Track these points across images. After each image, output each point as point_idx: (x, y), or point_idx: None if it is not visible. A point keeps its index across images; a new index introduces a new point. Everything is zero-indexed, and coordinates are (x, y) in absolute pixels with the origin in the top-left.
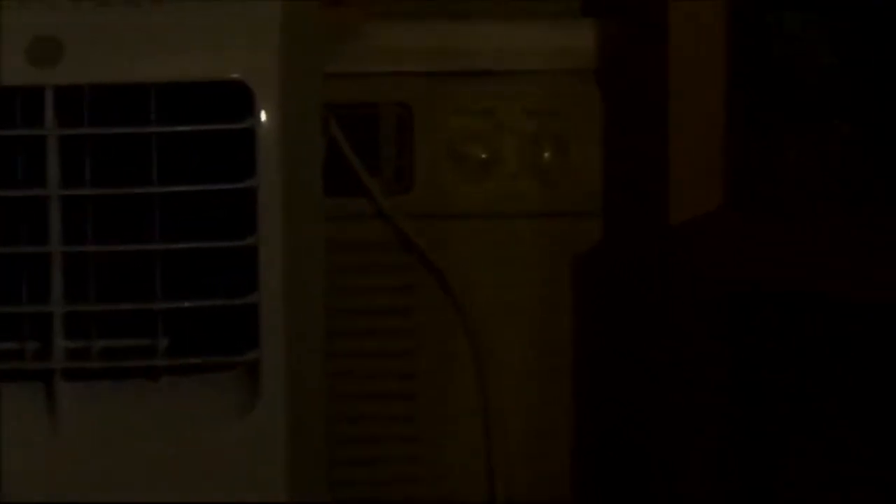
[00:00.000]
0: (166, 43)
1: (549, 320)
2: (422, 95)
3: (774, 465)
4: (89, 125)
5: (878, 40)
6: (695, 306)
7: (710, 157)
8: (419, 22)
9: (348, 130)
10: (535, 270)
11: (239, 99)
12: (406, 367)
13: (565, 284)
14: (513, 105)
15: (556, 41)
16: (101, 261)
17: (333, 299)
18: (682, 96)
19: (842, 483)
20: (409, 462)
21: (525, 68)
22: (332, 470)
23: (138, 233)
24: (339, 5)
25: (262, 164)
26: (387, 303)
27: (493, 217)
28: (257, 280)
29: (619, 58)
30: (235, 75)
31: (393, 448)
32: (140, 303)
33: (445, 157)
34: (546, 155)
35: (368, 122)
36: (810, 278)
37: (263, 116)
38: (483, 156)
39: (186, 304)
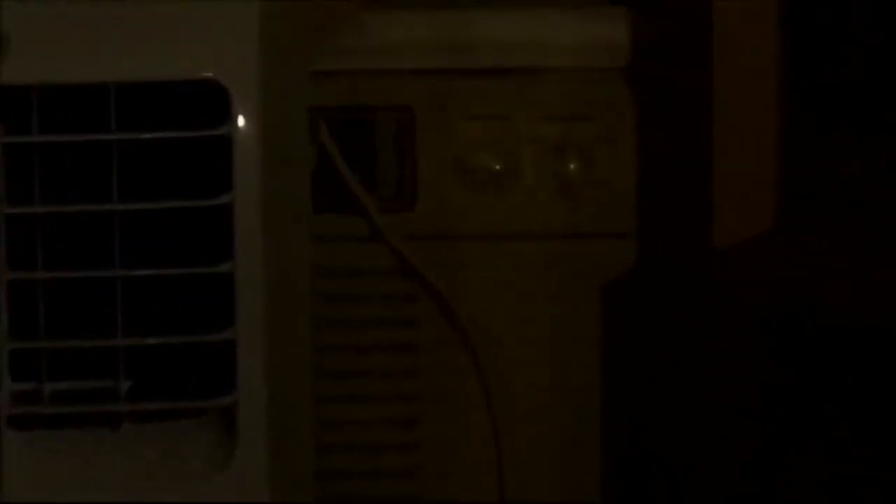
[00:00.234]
0: (130, 39)
1: (574, 357)
2: (425, 97)
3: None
4: (39, 132)
5: None
6: (747, 343)
7: (761, 169)
8: (423, 12)
9: (340, 137)
10: (558, 300)
11: (216, 103)
12: (409, 413)
13: (592, 316)
14: (532, 109)
15: (582, 34)
16: (53, 289)
17: (323, 334)
18: (728, 101)
19: None
20: None
21: (546, 65)
22: None
23: (97, 256)
24: None
25: (240, 176)
26: (386, 338)
27: (508, 239)
28: (234, 313)
29: (656, 53)
30: (208, 74)
31: None
32: (98, 339)
33: (453, 168)
34: (570, 166)
35: (364, 128)
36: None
37: (241, 121)
38: (497, 167)
39: (151, 341)
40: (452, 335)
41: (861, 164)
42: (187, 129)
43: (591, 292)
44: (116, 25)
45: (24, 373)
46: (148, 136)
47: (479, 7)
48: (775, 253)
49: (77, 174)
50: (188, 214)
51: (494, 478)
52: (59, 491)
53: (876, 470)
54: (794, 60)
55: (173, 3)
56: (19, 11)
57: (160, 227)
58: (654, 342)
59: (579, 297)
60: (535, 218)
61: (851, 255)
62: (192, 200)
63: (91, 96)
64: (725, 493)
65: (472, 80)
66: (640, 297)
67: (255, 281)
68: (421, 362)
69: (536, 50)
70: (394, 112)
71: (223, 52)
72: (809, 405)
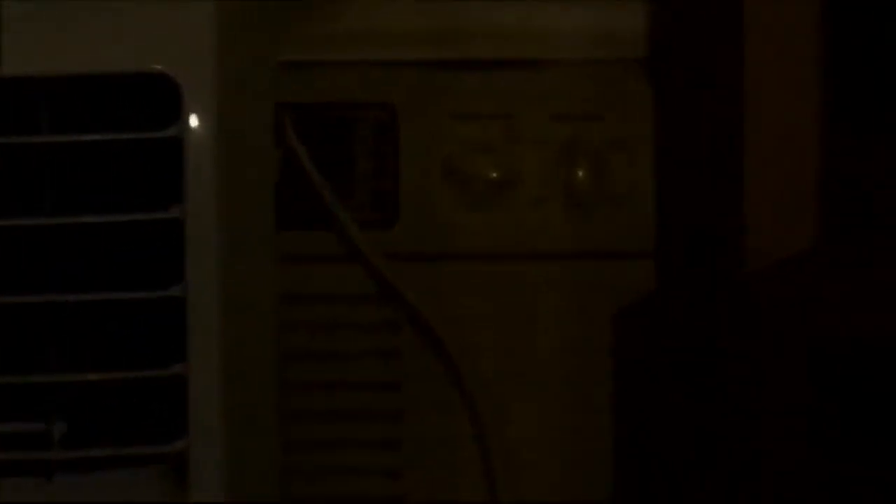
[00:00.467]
0: (71, 32)
1: (582, 395)
2: (411, 93)
3: None
4: None
5: None
6: (785, 380)
7: (801, 178)
8: None
9: (311, 140)
10: (564, 330)
11: (169, 101)
12: (391, 462)
13: (604, 347)
14: (535, 107)
15: (593, 21)
16: None
17: (290, 369)
18: (762, 99)
19: None
20: None
21: (551, 57)
22: None
23: (28, 278)
24: None
25: (193, 186)
26: (364, 374)
27: (506, 259)
28: (185, 344)
29: (679, 44)
30: (156, 67)
31: None
32: (28, 374)
33: (442, 177)
34: (580, 174)
35: (338, 130)
36: None
37: (194, 121)
38: (494, 175)
39: (91, 377)
40: (441, 371)
41: None
42: (138, 131)
43: (603, 321)
44: (56, 18)
45: None
46: (82, 138)
47: None
48: (817, 274)
49: (8, 183)
50: (136, 229)
51: None
52: None
53: None
54: (838, 51)
55: None
56: None
57: (103, 244)
58: (675, 377)
59: (589, 327)
60: (539, 235)
61: None
62: (136, 214)
63: (29, 94)
64: None
65: (466, 73)
66: (659, 326)
67: (210, 308)
68: (405, 402)
69: (540, 39)
70: (374, 110)
71: (174, 43)
72: (855, 448)
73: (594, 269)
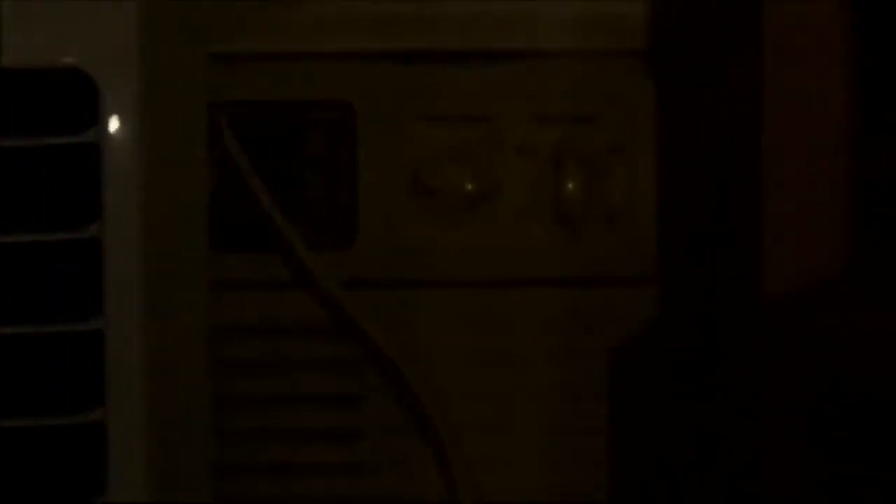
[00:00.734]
0: None
1: (572, 449)
2: (372, 90)
3: None
4: None
5: None
6: (806, 425)
7: (828, 193)
8: None
9: (253, 146)
10: (553, 367)
11: (88, 102)
12: None
13: (597, 387)
14: (518, 107)
15: (586, 6)
16: None
17: (231, 416)
18: (784, 99)
19: None
20: None
21: (538, 48)
22: None
23: None
24: None
25: (112, 199)
26: (316, 423)
27: (484, 285)
28: (104, 387)
29: (685, 33)
30: (68, 61)
31: None
32: None
33: (409, 188)
34: (570, 186)
35: (285, 133)
36: None
37: (115, 124)
38: (469, 188)
39: None
40: (408, 420)
41: None
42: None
43: (598, 355)
44: None
45: None
46: None
47: None
48: (845, 304)
49: None
50: (46, 251)
51: None
52: None
53: None
54: (871, 49)
55: None
56: None
57: (10, 268)
58: (679, 418)
59: (582, 362)
60: (522, 257)
61: None
62: (45, 233)
63: None
64: None
65: (437, 67)
66: (661, 362)
67: (131, 344)
68: (365, 456)
69: (524, 27)
70: (327, 110)
71: (91, 35)
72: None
73: (586, 298)
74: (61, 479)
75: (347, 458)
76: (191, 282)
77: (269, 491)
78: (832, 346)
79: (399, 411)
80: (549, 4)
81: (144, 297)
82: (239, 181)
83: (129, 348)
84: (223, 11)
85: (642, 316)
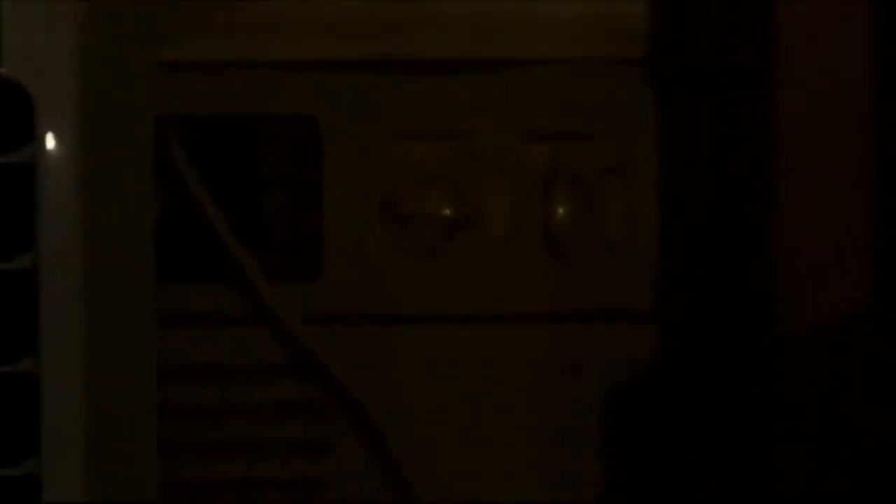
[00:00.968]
0: None
1: (554, 495)
2: (339, 103)
3: None
4: None
5: None
6: (823, 473)
7: (849, 220)
8: None
9: (206, 164)
10: (542, 411)
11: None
12: None
13: (588, 435)
14: (503, 122)
15: (579, 10)
16: None
17: (182, 467)
18: (801, 116)
19: None
20: None
21: (524, 56)
22: None
23: None
24: None
25: (48, 226)
26: (278, 474)
27: (463, 321)
28: (38, 438)
29: (688, 39)
30: (1, 70)
31: None
32: None
33: (379, 213)
34: (560, 211)
35: (243, 150)
36: None
37: (50, 142)
38: (447, 212)
39: None
40: (379, 470)
41: None
42: None
43: (592, 397)
44: None
45: None
46: None
47: None
48: (868, 345)
49: None
50: None
51: None
52: None
53: None
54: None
55: None
56: None
57: None
58: (684, 468)
59: (574, 405)
60: (506, 290)
61: None
62: None
63: None
64: None
65: (412, 77)
66: (662, 405)
67: (69, 388)
68: None
69: (509, 33)
70: (289, 125)
71: (25, 40)
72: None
73: (577, 335)
74: None
75: None
76: (138, 318)
77: None
78: (859, 381)
79: (368, 461)
80: (537, 7)
81: (85, 336)
82: (191, 204)
83: (67, 392)
84: (174, 15)
85: (640, 355)
